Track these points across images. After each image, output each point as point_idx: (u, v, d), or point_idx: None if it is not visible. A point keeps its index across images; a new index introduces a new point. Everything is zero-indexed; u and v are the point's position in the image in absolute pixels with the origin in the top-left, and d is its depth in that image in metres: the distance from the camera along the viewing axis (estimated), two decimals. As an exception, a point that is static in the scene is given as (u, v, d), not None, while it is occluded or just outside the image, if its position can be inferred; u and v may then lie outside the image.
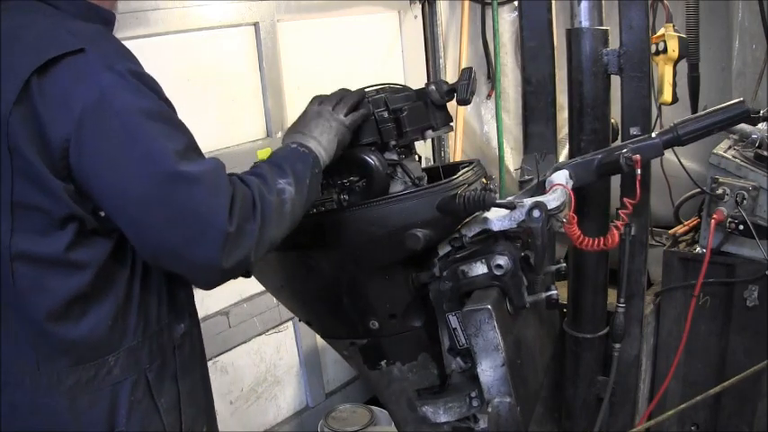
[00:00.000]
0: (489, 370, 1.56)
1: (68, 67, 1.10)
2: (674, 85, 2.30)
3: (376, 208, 1.59)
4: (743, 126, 2.41)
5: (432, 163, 3.54)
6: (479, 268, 1.62)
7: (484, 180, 1.80)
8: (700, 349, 2.59)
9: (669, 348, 2.62)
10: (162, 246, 1.18)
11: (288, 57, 2.93)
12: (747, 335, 2.48)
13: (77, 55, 1.11)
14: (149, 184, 1.13)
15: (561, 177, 1.77)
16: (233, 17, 2.71)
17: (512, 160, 3.66)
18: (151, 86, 1.19)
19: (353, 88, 1.77)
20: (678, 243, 2.66)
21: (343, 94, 1.58)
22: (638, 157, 1.81)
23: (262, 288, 2.06)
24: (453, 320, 1.69)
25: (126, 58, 1.19)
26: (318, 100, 1.57)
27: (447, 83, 1.77)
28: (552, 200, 1.64)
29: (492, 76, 3.65)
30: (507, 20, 3.66)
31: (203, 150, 1.28)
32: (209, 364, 2.70)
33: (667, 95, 2.30)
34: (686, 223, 2.77)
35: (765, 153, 2.35)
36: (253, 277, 1.90)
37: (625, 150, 1.84)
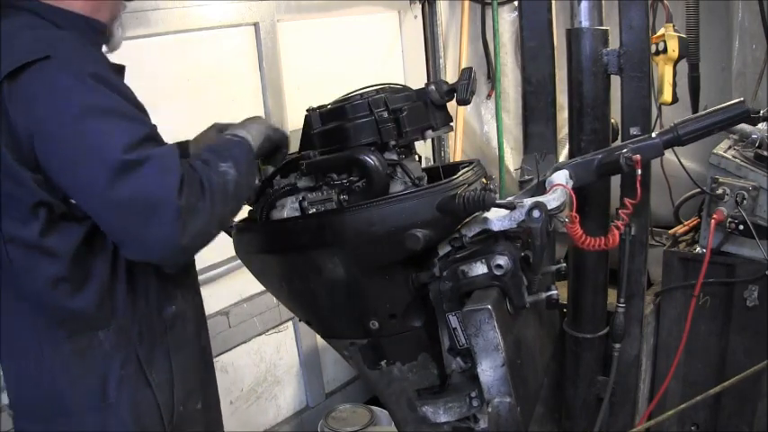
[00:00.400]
0: (489, 370, 1.55)
1: (34, 72, 1.22)
2: (674, 85, 2.30)
3: (376, 208, 1.59)
4: (743, 126, 2.41)
5: (432, 163, 3.54)
6: (479, 268, 1.62)
7: (484, 180, 1.80)
8: (700, 349, 2.59)
9: (669, 348, 2.62)
10: (123, 230, 1.27)
11: (288, 57, 2.93)
12: (747, 335, 2.48)
13: (43, 61, 1.22)
14: (100, 177, 1.21)
15: (561, 177, 1.77)
16: (233, 17, 2.71)
17: (512, 160, 3.66)
18: (110, 86, 1.28)
19: (353, 88, 1.78)
20: (678, 243, 2.66)
21: None
22: (638, 157, 1.81)
23: (262, 288, 2.06)
24: (453, 320, 1.69)
25: (86, 61, 1.29)
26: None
27: (447, 83, 1.77)
28: (552, 200, 1.64)
29: (492, 76, 3.65)
30: (507, 20, 3.67)
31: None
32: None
33: (667, 95, 2.30)
34: (686, 223, 2.77)
35: (765, 153, 2.35)
36: (253, 277, 1.91)
37: (625, 150, 1.84)
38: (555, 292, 1.70)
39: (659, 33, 2.29)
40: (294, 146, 1.88)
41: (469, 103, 1.77)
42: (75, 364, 1.38)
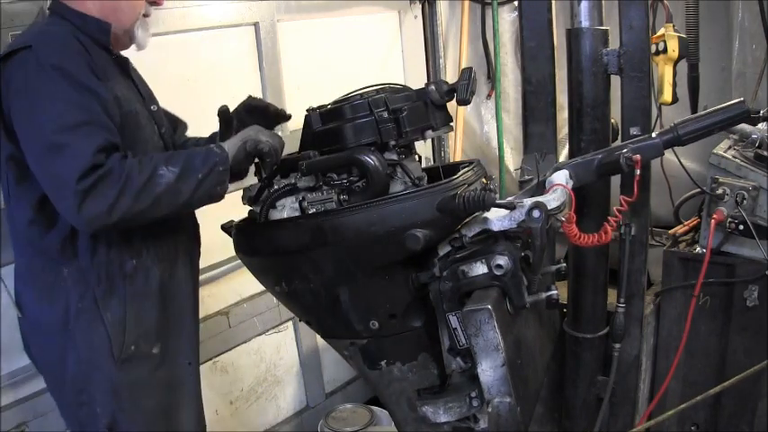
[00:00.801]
0: (489, 370, 1.56)
1: (16, 58, 1.55)
2: (674, 85, 2.30)
3: (376, 208, 1.59)
4: (743, 126, 2.41)
5: (432, 163, 3.54)
6: (479, 268, 1.62)
7: (484, 180, 1.80)
8: (700, 349, 2.59)
9: (669, 348, 2.62)
10: (50, 195, 1.58)
11: (288, 57, 2.93)
12: (747, 335, 2.48)
13: (25, 50, 1.55)
14: (37, 150, 1.55)
15: (561, 177, 1.77)
16: (233, 17, 2.71)
17: (512, 160, 3.66)
18: (67, 77, 1.54)
19: (353, 88, 1.78)
20: (678, 243, 2.66)
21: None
22: (638, 157, 1.81)
23: (262, 288, 2.06)
24: (453, 320, 1.69)
25: (60, 54, 1.57)
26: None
27: (447, 83, 1.77)
28: (552, 200, 1.64)
29: (492, 76, 3.65)
30: (507, 20, 3.66)
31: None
32: (210, 363, 2.72)
33: (667, 95, 2.30)
34: (686, 223, 2.77)
35: (765, 153, 2.35)
36: (253, 277, 1.91)
37: (625, 150, 1.84)
38: (555, 292, 1.70)
39: (659, 33, 2.29)
40: (294, 146, 1.89)
41: (469, 103, 1.77)
42: (47, 294, 1.72)
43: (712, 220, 2.35)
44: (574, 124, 2.25)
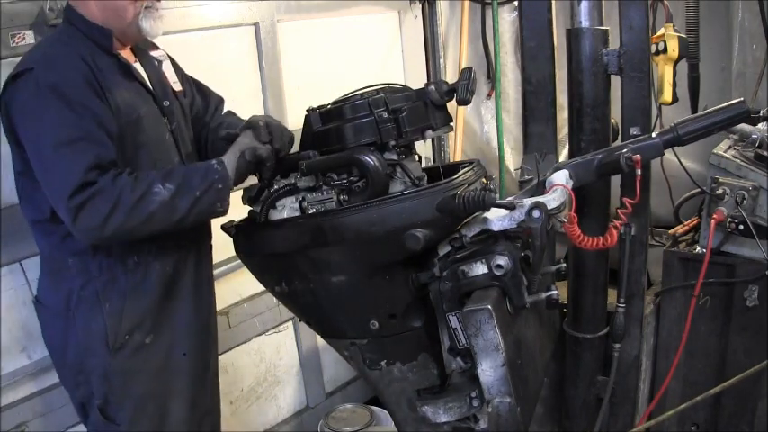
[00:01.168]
0: (489, 370, 1.56)
1: (22, 80, 1.66)
2: (674, 85, 2.30)
3: (376, 208, 1.59)
4: (743, 126, 2.40)
5: (432, 163, 3.54)
6: (479, 268, 1.62)
7: (484, 180, 1.80)
8: (700, 349, 2.59)
9: (669, 348, 2.62)
10: (53, 205, 1.69)
11: (288, 57, 2.93)
12: (747, 335, 2.48)
13: (28, 72, 1.65)
14: (37, 166, 1.66)
15: (561, 177, 1.77)
16: (233, 17, 2.71)
17: (512, 160, 3.66)
18: (62, 98, 1.63)
19: (353, 88, 1.78)
20: (678, 243, 2.66)
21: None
22: (638, 157, 1.81)
23: (262, 288, 2.06)
24: (453, 320, 1.69)
25: (58, 73, 1.66)
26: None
27: (447, 83, 1.77)
28: (552, 200, 1.64)
29: (492, 76, 3.65)
30: (507, 20, 3.66)
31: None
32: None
33: (667, 95, 2.30)
34: (686, 223, 2.77)
35: (765, 153, 2.35)
36: (253, 277, 1.91)
37: (625, 150, 1.84)
38: (555, 292, 1.70)
39: (659, 33, 2.29)
40: (294, 146, 1.89)
41: (469, 103, 1.77)
42: (54, 280, 1.86)
43: (712, 220, 2.35)
44: (574, 124, 2.25)
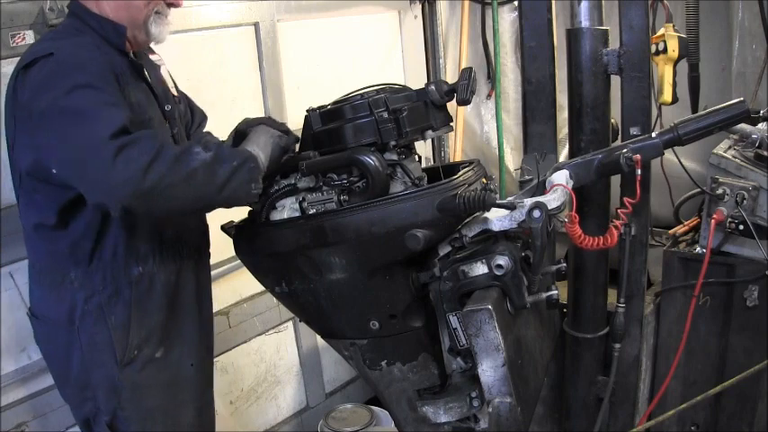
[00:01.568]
0: (490, 370, 1.56)
1: (38, 64, 1.57)
2: (674, 85, 2.30)
3: (376, 208, 1.59)
4: (743, 126, 2.40)
5: (432, 163, 3.54)
6: (480, 268, 1.62)
7: (484, 180, 1.80)
8: (700, 349, 2.59)
9: (669, 348, 2.61)
10: (75, 172, 1.54)
11: (288, 57, 2.93)
12: (747, 335, 2.47)
13: (49, 56, 1.57)
14: (66, 122, 1.51)
15: (561, 177, 1.77)
16: (233, 17, 2.71)
17: (512, 160, 3.66)
18: (91, 74, 1.57)
19: (353, 88, 1.78)
20: (678, 243, 2.66)
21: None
22: (638, 157, 1.81)
23: (262, 288, 2.06)
24: (454, 320, 1.69)
25: (76, 58, 1.59)
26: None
27: (447, 83, 1.77)
28: (552, 200, 1.64)
29: (492, 76, 3.65)
30: (507, 20, 3.66)
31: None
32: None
33: (667, 95, 2.30)
34: (686, 223, 2.77)
35: (765, 153, 2.35)
36: (253, 277, 1.91)
37: (625, 150, 1.84)
38: (555, 292, 1.70)
39: (659, 33, 2.29)
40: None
41: (469, 103, 1.77)
42: (54, 293, 1.77)
43: (712, 220, 2.35)
44: (574, 124, 2.25)
